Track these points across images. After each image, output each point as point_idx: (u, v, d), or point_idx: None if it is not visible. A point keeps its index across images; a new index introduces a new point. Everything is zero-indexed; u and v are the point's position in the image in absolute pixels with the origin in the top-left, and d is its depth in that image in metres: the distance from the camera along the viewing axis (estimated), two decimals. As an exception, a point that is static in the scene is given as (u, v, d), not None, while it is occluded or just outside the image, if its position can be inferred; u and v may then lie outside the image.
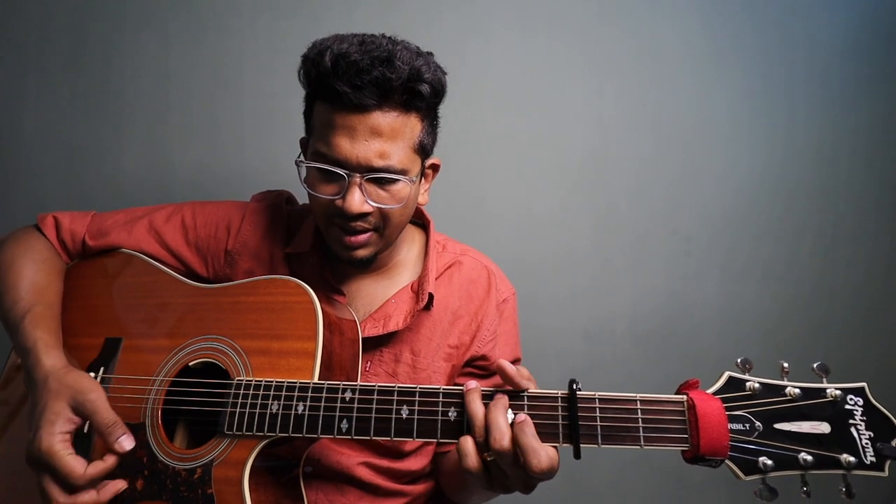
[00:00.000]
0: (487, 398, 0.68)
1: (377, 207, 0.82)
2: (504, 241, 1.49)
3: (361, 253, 0.87)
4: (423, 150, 0.86)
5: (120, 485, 0.75)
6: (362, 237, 0.85)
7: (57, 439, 0.72)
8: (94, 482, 0.73)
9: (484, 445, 0.65)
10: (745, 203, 1.54)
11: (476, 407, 0.67)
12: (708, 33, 1.50)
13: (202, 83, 1.43)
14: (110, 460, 0.74)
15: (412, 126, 0.82)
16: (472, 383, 0.69)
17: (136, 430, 0.79)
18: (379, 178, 0.81)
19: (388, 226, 0.86)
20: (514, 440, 0.64)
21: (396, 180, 0.82)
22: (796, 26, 1.52)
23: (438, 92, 0.84)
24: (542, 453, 0.63)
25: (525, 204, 1.50)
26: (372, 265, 0.92)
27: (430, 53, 0.85)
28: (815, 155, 1.55)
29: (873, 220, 1.57)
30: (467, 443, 0.66)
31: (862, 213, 1.57)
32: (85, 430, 0.80)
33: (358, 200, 0.80)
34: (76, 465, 0.72)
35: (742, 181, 1.54)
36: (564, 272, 1.51)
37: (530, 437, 0.63)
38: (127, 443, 0.75)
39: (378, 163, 0.79)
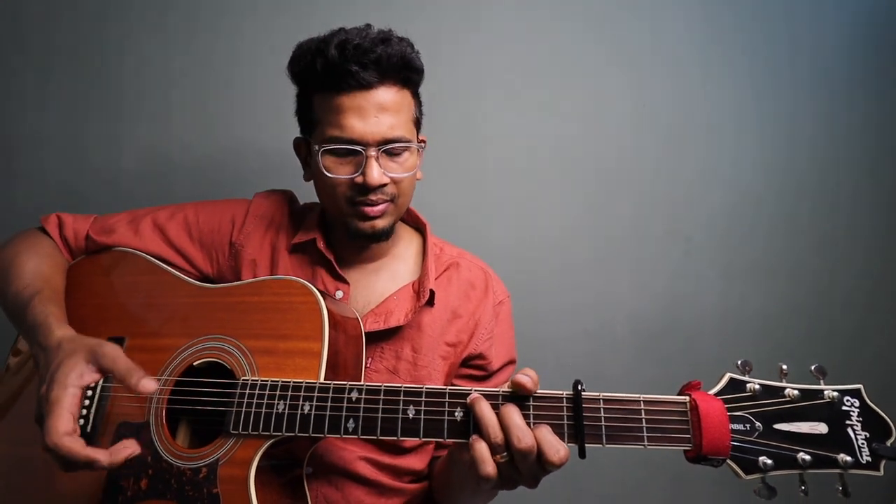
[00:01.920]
0: (493, 401, 0.68)
1: (391, 177, 0.89)
2: (504, 241, 1.50)
3: (380, 223, 0.92)
4: (418, 125, 0.95)
5: (133, 447, 0.72)
6: (381, 207, 0.90)
7: (70, 391, 0.70)
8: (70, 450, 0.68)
9: (499, 448, 0.65)
10: (746, 203, 1.55)
11: (488, 412, 0.67)
12: (708, 33, 1.51)
13: (203, 83, 1.43)
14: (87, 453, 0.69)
15: (408, 100, 0.91)
16: (475, 394, 0.69)
17: (141, 429, 0.80)
18: (391, 149, 0.88)
19: (401, 195, 0.92)
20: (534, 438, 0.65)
21: (406, 149, 0.90)
22: (798, 26, 1.52)
23: (422, 70, 0.93)
24: (560, 446, 0.64)
25: (525, 203, 1.51)
26: (389, 238, 0.96)
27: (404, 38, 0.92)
28: (817, 155, 1.55)
29: (874, 221, 1.58)
30: (483, 450, 0.65)
31: (863, 214, 1.58)
32: (88, 430, 0.80)
33: (377, 173, 0.87)
34: (66, 426, 0.69)
35: (743, 181, 1.54)
36: (564, 272, 1.52)
37: (548, 433, 0.65)
38: (150, 384, 0.72)
39: (390, 134, 0.87)
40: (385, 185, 0.88)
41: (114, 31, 1.41)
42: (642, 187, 1.53)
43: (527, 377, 0.67)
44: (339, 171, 0.88)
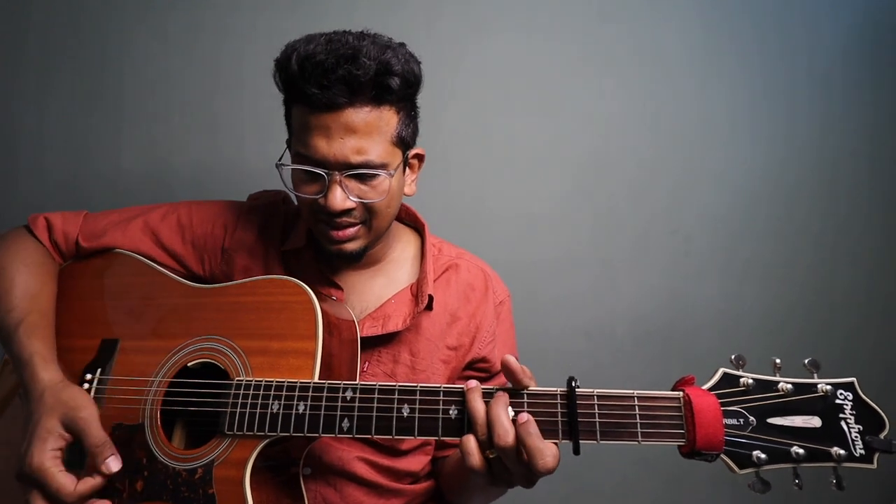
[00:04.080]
0: (488, 396, 0.69)
1: (359, 202, 0.84)
2: (504, 242, 1.50)
3: (350, 247, 0.88)
4: (403, 142, 0.87)
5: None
6: (350, 231, 0.86)
7: (48, 456, 0.73)
8: (84, 499, 0.74)
9: (486, 443, 0.66)
10: (745, 203, 1.55)
11: (477, 405, 0.67)
12: (708, 33, 1.51)
13: (202, 83, 1.44)
14: (100, 478, 0.75)
15: (387, 119, 0.82)
16: (473, 382, 0.70)
17: (135, 430, 0.79)
18: (358, 174, 0.82)
19: (374, 218, 0.87)
20: (519, 440, 0.64)
21: (376, 175, 0.83)
22: (797, 26, 1.53)
23: (411, 83, 0.85)
24: (548, 453, 0.64)
25: (525, 204, 1.51)
26: (362, 259, 0.93)
27: (402, 44, 0.86)
28: (816, 155, 1.55)
29: (874, 221, 1.58)
30: (470, 442, 0.66)
31: (861, 214, 1.57)
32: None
33: (339, 198, 0.81)
34: (66, 482, 0.72)
35: (742, 181, 1.54)
36: (564, 272, 1.52)
37: (535, 437, 0.64)
38: (114, 464, 0.75)
39: (355, 159, 0.80)
40: (351, 209, 0.84)
41: (114, 32, 1.42)
42: (642, 187, 1.53)
43: (514, 360, 0.69)
44: (305, 190, 0.85)
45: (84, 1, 1.41)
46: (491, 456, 0.66)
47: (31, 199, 1.43)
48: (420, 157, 0.95)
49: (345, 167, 0.81)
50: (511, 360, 0.69)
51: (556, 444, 0.66)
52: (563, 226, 1.52)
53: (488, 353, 0.99)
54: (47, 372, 0.79)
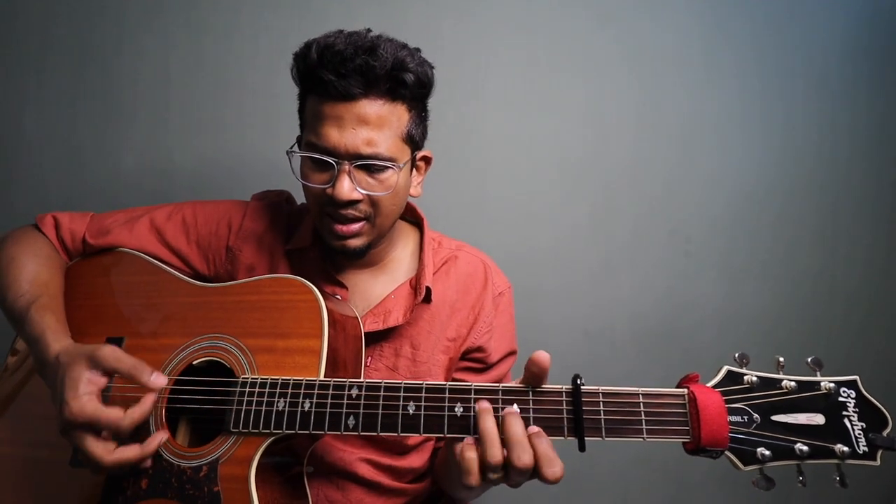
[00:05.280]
0: (492, 396, 0.69)
1: (366, 195, 0.84)
2: (503, 241, 1.50)
3: (354, 243, 0.88)
4: (412, 141, 0.88)
5: (162, 435, 0.75)
6: (354, 226, 0.87)
7: (84, 400, 0.71)
8: (136, 424, 0.73)
9: (497, 468, 0.64)
10: (744, 202, 1.55)
11: (491, 426, 0.66)
12: (707, 33, 1.52)
13: (203, 83, 1.43)
14: (147, 403, 0.74)
15: (399, 115, 0.84)
16: (485, 404, 0.68)
17: (141, 429, 0.79)
18: (367, 164, 0.83)
19: (378, 214, 0.88)
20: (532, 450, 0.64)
21: (385, 168, 0.84)
22: (795, 25, 1.53)
23: (424, 83, 0.87)
24: (557, 462, 0.63)
25: (524, 203, 1.51)
26: (365, 256, 0.94)
27: (418, 49, 0.88)
28: (814, 154, 1.56)
29: (872, 219, 1.58)
30: (472, 462, 0.65)
31: (861, 212, 1.58)
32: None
33: (347, 188, 0.82)
34: (114, 412, 0.72)
35: (741, 180, 1.55)
36: (563, 271, 1.52)
37: (547, 447, 0.64)
38: (160, 379, 0.75)
39: (365, 150, 0.81)
40: (358, 201, 0.84)
41: (114, 31, 1.42)
42: (643, 188, 1.53)
43: (547, 359, 0.67)
44: (314, 179, 0.86)
45: (84, 1, 1.41)
46: (494, 476, 0.64)
47: (31, 199, 1.43)
48: (427, 160, 0.96)
49: (354, 157, 0.82)
50: (541, 359, 0.67)
51: (561, 439, 0.67)
52: (563, 225, 1.52)
53: (484, 342, 0.99)
54: (59, 342, 0.79)
